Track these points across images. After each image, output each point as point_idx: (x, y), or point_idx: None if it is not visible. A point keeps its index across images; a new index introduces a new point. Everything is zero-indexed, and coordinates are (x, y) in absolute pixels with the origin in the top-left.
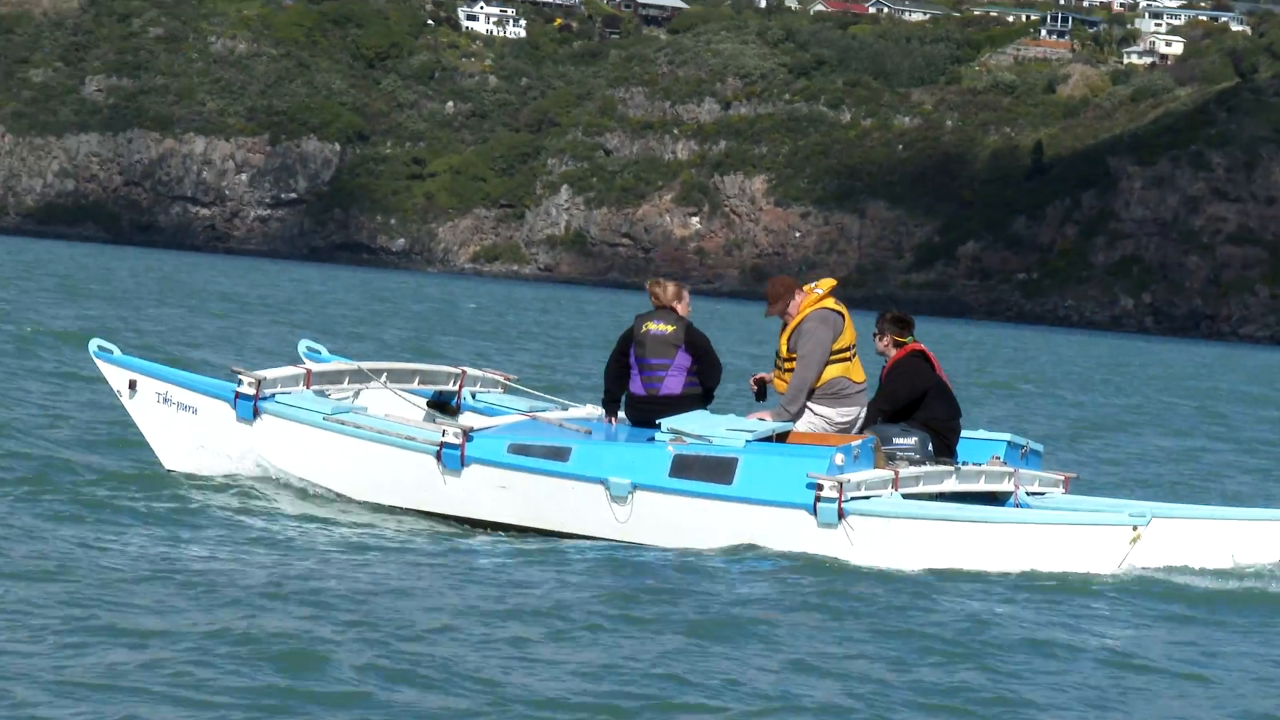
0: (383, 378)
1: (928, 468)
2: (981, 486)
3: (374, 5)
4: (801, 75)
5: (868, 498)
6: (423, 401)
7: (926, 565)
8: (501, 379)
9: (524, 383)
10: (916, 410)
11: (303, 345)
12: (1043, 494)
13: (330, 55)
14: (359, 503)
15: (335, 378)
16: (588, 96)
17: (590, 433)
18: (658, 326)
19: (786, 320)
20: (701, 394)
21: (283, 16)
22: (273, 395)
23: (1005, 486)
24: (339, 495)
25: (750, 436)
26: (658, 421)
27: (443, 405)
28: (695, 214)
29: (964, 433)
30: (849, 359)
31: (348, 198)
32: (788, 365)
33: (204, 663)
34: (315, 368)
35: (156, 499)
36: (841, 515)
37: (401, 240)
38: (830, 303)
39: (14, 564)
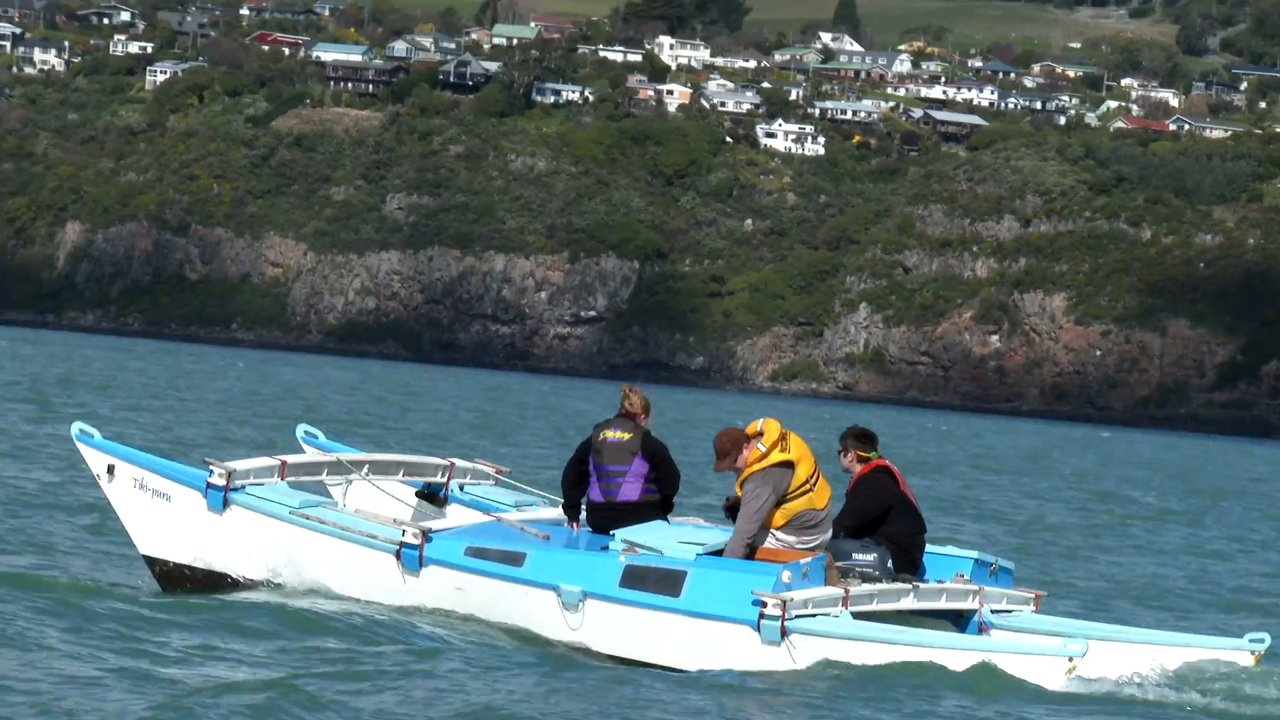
0: (364, 470)
1: (883, 585)
2: (943, 605)
3: (673, 123)
4: (1102, 192)
5: (814, 615)
6: (412, 493)
7: (868, 685)
8: (492, 471)
9: None
10: (880, 525)
11: (300, 429)
12: (1010, 612)
13: (629, 173)
14: (321, 596)
15: (313, 469)
16: (886, 213)
17: (548, 538)
18: (615, 434)
19: (737, 473)
20: (660, 501)
21: (582, 134)
22: (244, 487)
23: (970, 604)
24: (302, 589)
25: (701, 550)
26: (612, 531)
27: (431, 497)
28: (995, 332)
29: (933, 549)
30: (809, 490)
31: (646, 315)
32: None
33: None
34: (291, 459)
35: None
36: (785, 633)
37: (700, 358)
38: (775, 456)
39: None
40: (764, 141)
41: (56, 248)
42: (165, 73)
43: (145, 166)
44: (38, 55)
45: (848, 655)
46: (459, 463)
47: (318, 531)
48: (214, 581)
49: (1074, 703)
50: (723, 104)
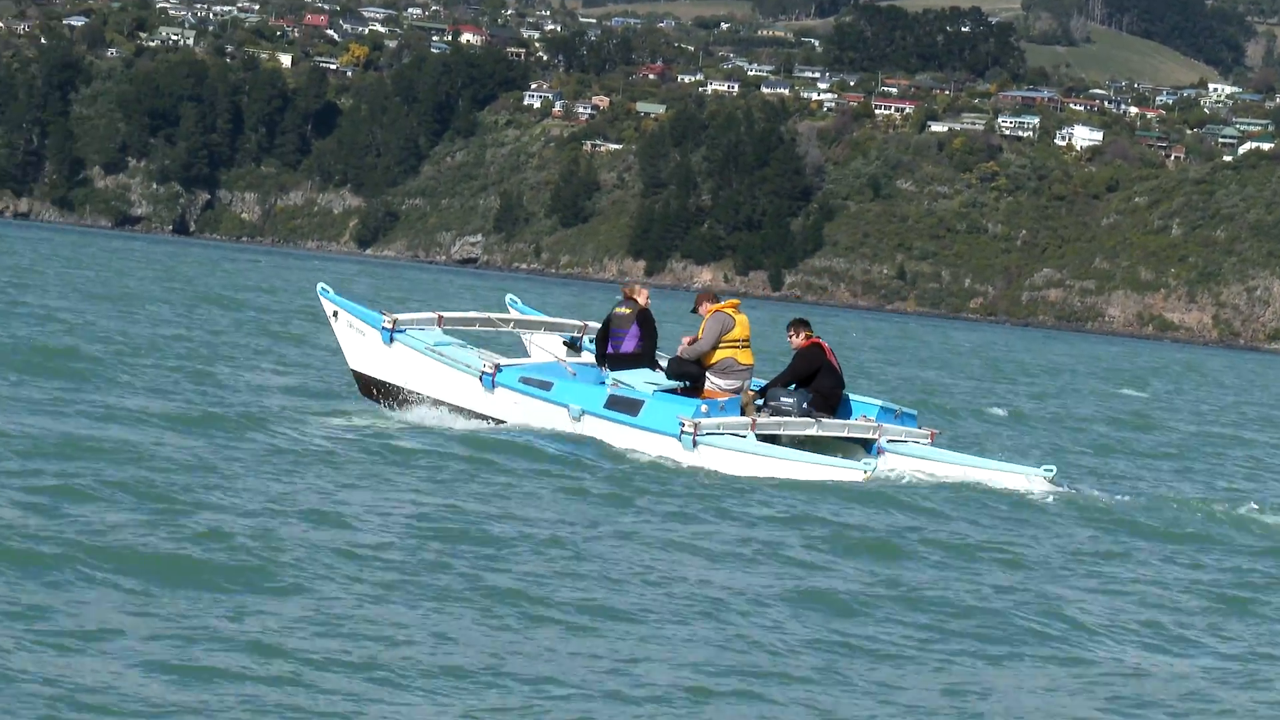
0: (510, 325)
1: (790, 418)
2: (845, 435)
3: None
4: None
5: (722, 434)
6: (560, 341)
7: (744, 479)
8: None
9: None
10: (812, 382)
11: (509, 297)
12: (906, 443)
13: None
14: (433, 402)
15: (466, 323)
16: None
17: (575, 374)
18: (621, 310)
19: (701, 318)
20: (646, 352)
21: None
22: (405, 330)
23: (870, 436)
24: (425, 396)
25: (657, 388)
26: (612, 371)
27: (571, 345)
28: None
29: (855, 397)
30: (738, 347)
31: None
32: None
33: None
34: (447, 314)
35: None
36: (695, 444)
37: None
38: (729, 310)
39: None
40: None
41: None
42: None
43: None
44: None
45: (730, 459)
46: (590, 324)
47: (436, 360)
48: (389, 392)
49: (878, 504)
50: None
